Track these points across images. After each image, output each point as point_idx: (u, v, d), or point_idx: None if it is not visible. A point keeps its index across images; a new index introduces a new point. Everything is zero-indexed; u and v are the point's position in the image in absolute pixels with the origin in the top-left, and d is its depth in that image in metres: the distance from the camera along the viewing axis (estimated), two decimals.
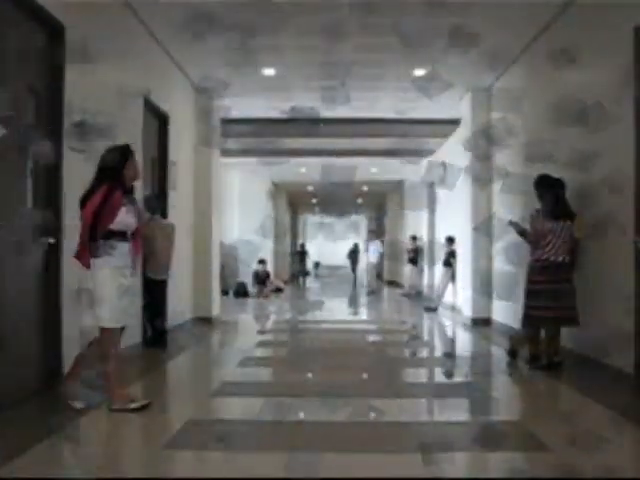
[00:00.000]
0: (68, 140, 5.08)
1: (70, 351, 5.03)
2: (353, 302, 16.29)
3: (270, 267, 18.33)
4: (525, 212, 7.21)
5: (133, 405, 4.28)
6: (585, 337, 5.98)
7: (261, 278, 16.35)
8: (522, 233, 6.31)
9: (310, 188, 23.22)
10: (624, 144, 5.23)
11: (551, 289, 5.85)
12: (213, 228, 9.88)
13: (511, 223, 6.52)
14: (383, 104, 10.74)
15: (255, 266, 16.61)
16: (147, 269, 7.24)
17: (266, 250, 18.94)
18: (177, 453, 3.60)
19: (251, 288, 16.30)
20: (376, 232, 14.08)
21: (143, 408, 4.28)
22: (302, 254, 29.17)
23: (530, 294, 5.98)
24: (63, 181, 4.94)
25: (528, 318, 6.04)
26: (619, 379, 5.23)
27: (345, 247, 29.67)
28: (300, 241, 31.93)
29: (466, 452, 3.75)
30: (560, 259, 5.89)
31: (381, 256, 17.30)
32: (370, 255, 19.99)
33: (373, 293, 18.01)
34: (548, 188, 6.07)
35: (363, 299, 17.25)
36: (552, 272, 5.88)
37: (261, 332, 9.67)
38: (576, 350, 6.10)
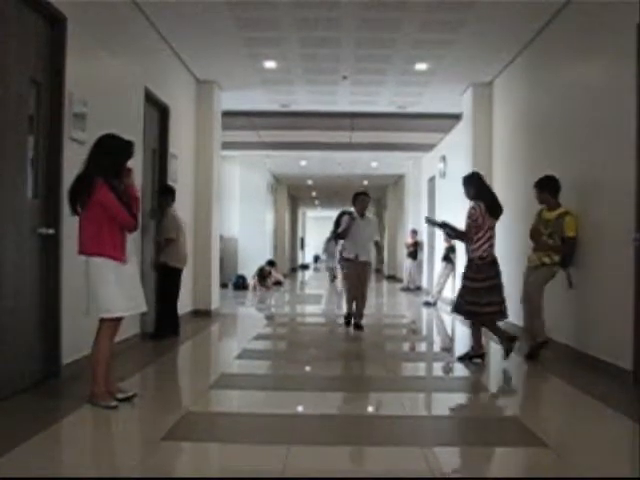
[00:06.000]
0: (68, 131, 5.08)
1: (69, 344, 5.06)
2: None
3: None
4: (528, 208, 7.20)
5: (107, 403, 4.17)
6: (585, 334, 5.99)
7: (263, 274, 16.50)
8: (451, 229, 6.44)
9: (310, 182, 23.21)
10: (626, 143, 5.21)
11: (491, 285, 6.00)
12: (213, 221, 9.87)
13: (428, 221, 6.64)
14: (384, 98, 10.72)
15: (263, 263, 16.90)
16: (171, 258, 7.46)
17: (265, 244, 18.94)
18: (175, 445, 3.60)
19: (250, 280, 16.33)
20: None
21: (114, 407, 4.15)
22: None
23: (472, 291, 6.04)
24: (63, 171, 4.93)
25: (469, 314, 6.16)
26: (618, 376, 5.24)
27: None
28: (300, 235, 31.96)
29: (465, 447, 3.76)
30: (494, 255, 6.09)
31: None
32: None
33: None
34: (485, 186, 6.24)
35: None
36: (491, 269, 6.04)
37: (269, 318, 10.40)
38: (576, 347, 6.11)
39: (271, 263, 17.44)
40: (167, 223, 7.42)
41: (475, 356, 6.18)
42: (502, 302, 6.05)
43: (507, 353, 6.08)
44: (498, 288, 6.04)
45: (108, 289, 4.18)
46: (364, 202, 8.49)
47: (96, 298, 4.19)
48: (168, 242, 7.39)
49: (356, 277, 8.39)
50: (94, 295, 4.19)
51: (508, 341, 6.08)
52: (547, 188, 6.21)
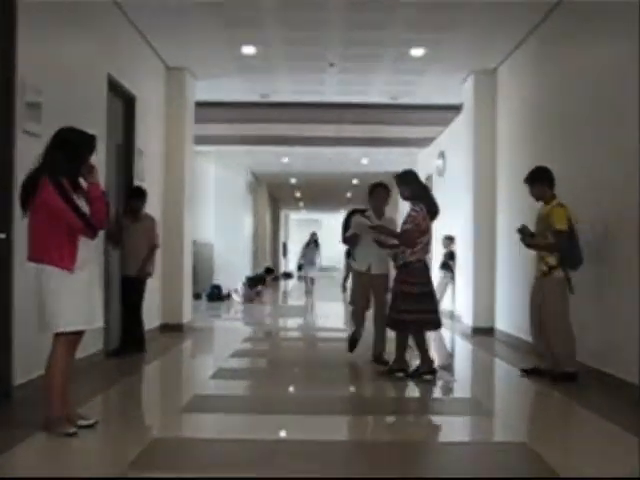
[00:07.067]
0: (21, 122, 5.02)
1: (22, 362, 4.99)
2: (335, 307, 16.28)
3: (248, 268, 18.42)
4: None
5: (65, 430, 4.07)
6: (590, 348, 6.01)
7: (264, 280, 16.76)
8: (388, 233, 6.51)
9: (293, 181, 23.20)
10: (628, 135, 5.25)
11: (422, 292, 6.06)
12: (185, 224, 9.82)
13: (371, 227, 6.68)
14: (376, 88, 10.72)
15: (260, 271, 17.11)
16: (153, 267, 7.63)
17: (244, 250, 18.92)
18: (142, 474, 3.55)
19: (232, 290, 16.34)
20: None
21: (73, 435, 4.06)
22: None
23: (405, 296, 6.05)
24: (15, 168, 4.87)
25: (397, 323, 6.16)
26: (624, 389, 5.32)
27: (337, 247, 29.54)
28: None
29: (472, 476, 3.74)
30: (427, 260, 6.26)
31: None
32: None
33: None
34: (421, 185, 6.32)
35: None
36: (423, 273, 6.14)
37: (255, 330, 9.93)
38: (580, 360, 6.11)
39: (269, 270, 17.59)
40: (152, 227, 7.52)
41: (427, 372, 6.14)
42: (434, 311, 6.14)
43: (418, 375, 6.13)
44: (430, 295, 6.16)
45: (56, 301, 4.08)
46: (382, 196, 7.06)
47: (44, 311, 4.11)
48: (154, 249, 7.50)
49: (367, 296, 7.04)
50: (42, 307, 4.11)
51: (428, 368, 6.15)
52: (540, 181, 6.18)
